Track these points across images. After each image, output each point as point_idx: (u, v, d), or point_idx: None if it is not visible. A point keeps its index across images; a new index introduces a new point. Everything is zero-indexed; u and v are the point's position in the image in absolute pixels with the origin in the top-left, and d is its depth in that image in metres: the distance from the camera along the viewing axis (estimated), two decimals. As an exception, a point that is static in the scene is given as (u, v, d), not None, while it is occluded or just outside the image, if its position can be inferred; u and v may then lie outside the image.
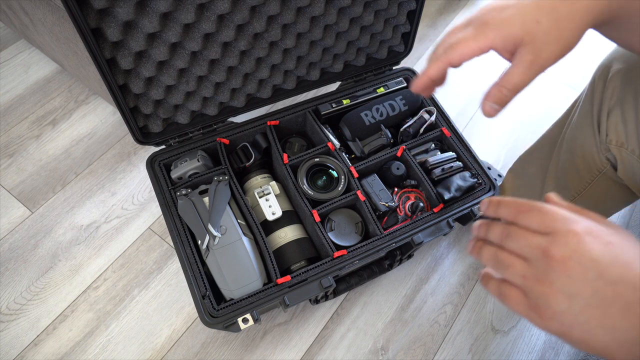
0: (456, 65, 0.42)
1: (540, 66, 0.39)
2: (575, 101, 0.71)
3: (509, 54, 0.40)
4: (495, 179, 0.82)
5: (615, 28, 0.42)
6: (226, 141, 0.83)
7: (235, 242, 0.71)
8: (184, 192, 0.76)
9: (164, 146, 0.82)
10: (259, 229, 0.74)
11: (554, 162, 0.74)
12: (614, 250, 0.32)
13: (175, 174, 0.78)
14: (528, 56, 0.38)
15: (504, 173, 1.02)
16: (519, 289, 0.35)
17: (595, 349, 0.32)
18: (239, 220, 0.74)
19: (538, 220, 0.34)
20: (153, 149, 0.81)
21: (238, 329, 0.66)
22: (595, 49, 0.89)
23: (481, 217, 0.41)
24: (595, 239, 0.32)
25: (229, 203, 0.75)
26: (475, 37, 0.40)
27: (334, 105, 0.87)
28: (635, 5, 0.39)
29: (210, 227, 0.72)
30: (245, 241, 0.72)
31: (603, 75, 0.60)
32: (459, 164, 0.83)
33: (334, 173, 0.81)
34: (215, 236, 0.71)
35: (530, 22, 0.38)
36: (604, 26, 0.41)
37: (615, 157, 0.60)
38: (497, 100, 0.41)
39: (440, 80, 0.45)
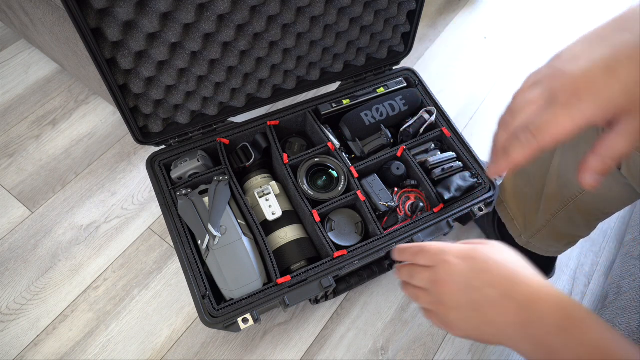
0: (548, 149, 0.36)
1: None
2: None
3: (608, 123, 0.34)
4: (495, 179, 0.82)
5: None
6: (226, 141, 0.83)
7: (235, 242, 0.71)
8: (184, 192, 0.76)
9: (164, 146, 0.82)
10: (259, 229, 0.74)
11: (555, 161, 0.74)
12: (475, 265, 0.42)
13: (175, 174, 0.78)
14: (631, 124, 0.33)
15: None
16: (432, 312, 0.45)
17: (491, 342, 0.41)
18: (239, 220, 0.74)
19: (425, 258, 0.46)
20: (153, 149, 0.81)
21: (238, 329, 0.66)
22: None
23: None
24: (462, 260, 0.43)
25: (229, 203, 0.75)
26: (569, 114, 0.33)
27: (334, 105, 0.87)
28: None
29: (210, 227, 0.72)
30: (245, 241, 0.72)
31: None
32: (459, 164, 0.82)
33: (334, 173, 0.81)
34: (215, 236, 0.71)
35: (633, 85, 0.32)
36: None
37: None
38: (600, 171, 0.35)
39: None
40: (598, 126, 0.36)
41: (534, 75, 0.38)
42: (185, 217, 0.73)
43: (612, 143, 0.34)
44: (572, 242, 0.85)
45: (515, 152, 0.36)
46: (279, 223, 0.78)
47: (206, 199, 0.75)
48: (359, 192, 0.77)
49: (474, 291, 0.41)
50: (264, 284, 0.71)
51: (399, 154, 0.83)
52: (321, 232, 0.74)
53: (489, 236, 0.99)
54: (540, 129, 0.34)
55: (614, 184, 0.66)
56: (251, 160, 0.83)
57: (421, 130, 0.87)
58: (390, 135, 0.85)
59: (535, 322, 0.37)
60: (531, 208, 0.82)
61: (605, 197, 0.70)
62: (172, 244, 0.87)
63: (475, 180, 0.80)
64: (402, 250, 0.50)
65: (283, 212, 0.78)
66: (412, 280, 0.47)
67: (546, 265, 0.92)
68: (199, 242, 0.71)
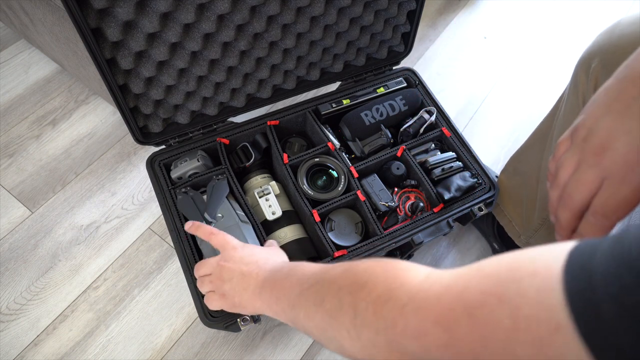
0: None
1: None
2: (562, 95, 0.71)
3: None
4: (496, 178, 0.82)
5: None
6: (226, 141, 0.83)
7: (231, 226, 0.71)
8: (183, 190, 0.76)
9: (164, 146, 0.82)
10: (259, 229, 0.74)
11: (546, 158, 0.74)
12: (244, 250, 0.60)
13: (175, 174, 0.78)
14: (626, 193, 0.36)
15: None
16: (214, 293, 0.60)
17: (248, 311, 0.57)
18: (237, 211, 0.74)
19: (213, 241, 0.62)
20: (153, 149, 0.81)
21: (238, 329, 0.66)
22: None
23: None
24: (237, 249, 0.60)
25: (228, 199, 0.75)
26: (630, 189, 0.36)
27: (334, 105, 0.87)
28: None
29: (206, 215, 0.72)
30: (243, 226, 0.71)
31: (584, 67, 0.61)
32: (459, 164, 0.83)
33: (334, 173, 0.81)
34: (210, 222, 0.71)
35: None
36: None
37: None
38: (607, 228, 0.39)
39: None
40: None
41: (571, 155, 0.40)
42: (184, 210, 0.73)
43: (617, 198, 0.37)
44: None
45: (587, 233, 0.40)
46: (279, 223, 0.78)
47: (205, 197, 0.75)
48: (359, 192, 0.77)
49: (242, 264, 0.57)
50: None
51: (399, 154, 0.83)
52: (321, 232, 0.74)
53: (488, 238, 0.99)
54: (607, 209, 0.37)
55: None
56: (251, 160, 0.83)
57: (421, 130, 0.87)
58: (390, 135, 0.85)
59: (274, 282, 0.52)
60: (528, 208, 0.82)
61: None
62: (172, 244, 0.87)
63: (475, 180, 0.80)
64: (197, 227, 0.64)
65: (283, 212, 0.78)
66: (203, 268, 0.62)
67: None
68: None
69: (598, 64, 0.58)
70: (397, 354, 0.33)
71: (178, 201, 0.74)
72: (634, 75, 0.37)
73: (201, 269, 0.62)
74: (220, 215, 0.72)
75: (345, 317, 0.38)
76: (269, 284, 0.52)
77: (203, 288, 0.62)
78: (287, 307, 0.47)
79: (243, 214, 0.76)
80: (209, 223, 0.71)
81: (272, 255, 0.60)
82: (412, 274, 0.35)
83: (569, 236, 0.42)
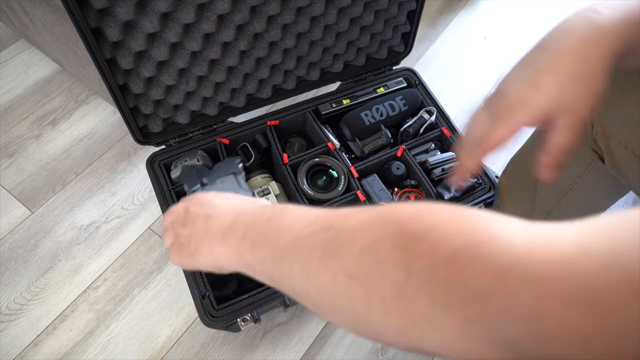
0: (493, 152, 0.43)
1: (580, 123, 0.39)
2: None
3: (544, 124, 0.40)
4: (496, 178, 0.82)
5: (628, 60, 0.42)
6: (226, 141, 0.83)
7: (228, 180, 0.63)
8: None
9: (164, 146, 0.82)
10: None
11: None
12: (218, 195, 0.48)
13: (175, 174, 0.78)
14: (565, 121, 0.39)
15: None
16: (173, 245, 0.47)
17: (204, 262, 0.44)
18: (242, 187, 0.66)
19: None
20: (153, 149, 0.81)
21: (238, 329, 0.66)
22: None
23: None
24: (209, 193, 0.48)
25: (237, 178, 0.67)
26: (505, 124, 0.41)
27: (334, 105, 0.87)
28: None
29: (204, 179, 0.65)
30: (243, 194, 0.62)
31: None
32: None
33: (334, 173, 0.81)
34: (205, 185, 0.64)
35: (555, 93, 0.38)
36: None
37: (602, 149, 0.60)
38: (551, 165, 0.41)
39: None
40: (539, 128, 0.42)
41: (486, 100, 0.45)
42: (182, 176, 0.68)
43: (552, 140, 0.40)
44: None
45: (466, 161, 0.46)
46: (279, 223, 0.78)
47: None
48: (359, 192, 0.77)
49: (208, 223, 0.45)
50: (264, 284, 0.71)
51: (399, 154, 0.83)
52: (321, 232, 0.74)
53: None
54: (484, 141, 0.43)
55: (600, 177, 0.66)
56: (251, 160, 0.83)
57: (421, 130, 0.87)
58: (390, 135, 0.85)
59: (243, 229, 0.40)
60: (527, 209, 0.82)
61: (593, 192, 0.70)
62: (172, 244, 0.87)
63: (475, 180, 0.80)
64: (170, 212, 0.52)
65: (283, 212, 0.78)
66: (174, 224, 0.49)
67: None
68: (186, 188, 0.64)
69: None
70: (482, 343, 0.23)
71: (173, 171, 0.70)
72: (540, 43, 0.43)
73: (167, 216, 0.50)
74: (220, 182, 0.65)
75: (383, 281, 0.27)
76: (241, 225, 0.40)
77: (165, 240, 0.50)
78: (268, 258, 0.35)
79: (250, 192, 0.68)
80: (203, 186, 0.64)
81: (255, 201, 0.46)
82: (502, 225, 0.25)
83: (465, 173, 0.47)
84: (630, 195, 0.81)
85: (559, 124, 0.39)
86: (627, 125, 0.55)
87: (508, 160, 0.86)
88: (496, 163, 1.12)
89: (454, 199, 0.78)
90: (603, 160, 0.62)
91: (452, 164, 0.82)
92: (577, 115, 0.39)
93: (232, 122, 0.85)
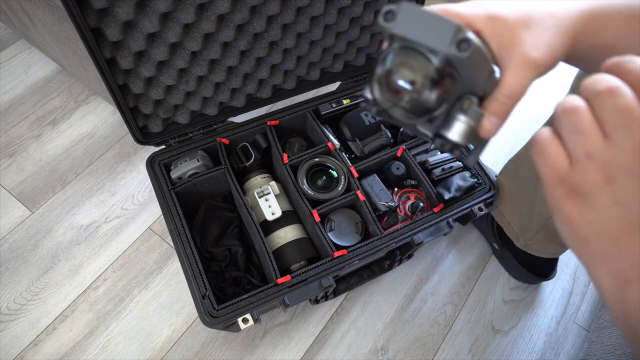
0: None
1: (533, 67, 0.35)
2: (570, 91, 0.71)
3: (492, 48, 0.36)
4: (495, 178, 0.82)
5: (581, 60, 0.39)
6: (226, 141, 0.83)
7: None
8: None
9: (164, 146, 0.82)
10: (258, 229, 0.74)
11: None
12: None
13: (175, 174, 0.78)
14: (518, 56, 0.35)
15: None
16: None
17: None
18: None
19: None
20: (153, 149, 0.81)
21: (238, 329, 0.66)
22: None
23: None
24: None
25: None
26: (468, 11, 0.35)
27: (334, 105, 0.87)
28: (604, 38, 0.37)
29: None
30: None
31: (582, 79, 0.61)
32: (459, 164, 0.82)
33: (334, 173, 0.81)
34: None
35: (522, 21, 0.35)
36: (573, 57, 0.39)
37: None
38: (496, 111, 0.36)
39: None
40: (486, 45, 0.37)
41: None
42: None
43: (501, 81, 0.36)
44: None
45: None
46: (278, 223, 0.78)
47: None
48: (359, 192, 0.77)
49: None
50: (263, 285, 0.71)
51: (399, 154, 0.83)
52: (321, 232, 0.74)
53: (488, 238, 0.99)
54: (446, 8, 0.37)
55: None
56: (251, 160, 0.83)
57: (421, 130, 0.86)
58: (390, 135, 0.85)
59: None
60: (526, 212, 0.82)
61: None
62: (172, 244, 0.87)
63: (475, 180, 0.80)
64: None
65: (283, 212, 0.78)
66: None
67: (547, 267, 0.92)
68: None
69: None
70: None
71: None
72: None
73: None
74: None
75: None
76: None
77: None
78: None
79: None
80: None
81: None
82: None
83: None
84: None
85: (510, 61, 0.35)
86: None
87: (508, 160, 0.87)
88: (497, 162, 1.12)
89: (454, 199, 0.78)
90: None
91: (452, 164, 0.82)
92: (532, 56, 0.34)
93: (232, 122, 0.85)
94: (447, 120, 0.35)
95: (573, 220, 0.27)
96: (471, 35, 0.30)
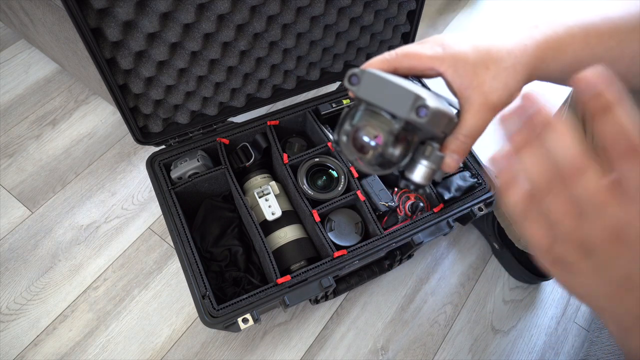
0: (401, 72, 0.40)
1: (491, 109, 0.38)
2: (564, 102, 0.71)
3: (454, 89, 0.39)
4: (495, 178, 0.82)
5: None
6: (226, 141, 0.83)
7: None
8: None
9: (164, 146, 0.82)
10: (258, 229, 0.74)
11: None
12: None
13: (175, 174, 0.78)
14: (477, 98, 0.37)
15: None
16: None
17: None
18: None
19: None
20: (153, 149, 0.81)
21: (238, 329, 0.66)
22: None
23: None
24: None
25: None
26: (430, 53, 0.38)
27: (334, 105, 0.87)
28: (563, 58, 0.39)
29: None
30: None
31: None
32: (459, 164, 0.82)
33: (334, 173, 0.81)
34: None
35: (482, 61, 0.37)
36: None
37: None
38: (455, 150, 0.39)
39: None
40: (449, 88, 0.40)
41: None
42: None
43: (460, 121, 0.39)
44: None
45: (376, 61, 0.41)
46: (278, 223, 0.78)
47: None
48: (358, 192, 0.77)
49: None
50: (263, 285, 0.71)
51: (399, 154, 0.83)
52: (321, 232, 0.74)
53: (488, 238, 0.99)
54: (405, 54, 0.40)
55: None
56: (251, 160, 0.83)
57: (421, 130, 0.87)
58: (390, 135, 0.85)
59: None
60: None
61: None
62: (172, 244, 0.87)
63: (475, 180, 0.80)
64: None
65: (283, 212, 0.78)
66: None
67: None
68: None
69: None
70: None
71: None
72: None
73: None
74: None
75: None
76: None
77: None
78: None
79: None
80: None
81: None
82: None
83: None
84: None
85: (470, 102, 0.38)
86: None
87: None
88: (496, 163, 1.12)
89: (454, 199, 0.78)
90: None
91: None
92: (490, 99, 0.37)
93: (232, 122, 0.85)
94: (411, 164, 0.38)
95: (564, 283, 0.30)
96: (429, 102, 0.33)
